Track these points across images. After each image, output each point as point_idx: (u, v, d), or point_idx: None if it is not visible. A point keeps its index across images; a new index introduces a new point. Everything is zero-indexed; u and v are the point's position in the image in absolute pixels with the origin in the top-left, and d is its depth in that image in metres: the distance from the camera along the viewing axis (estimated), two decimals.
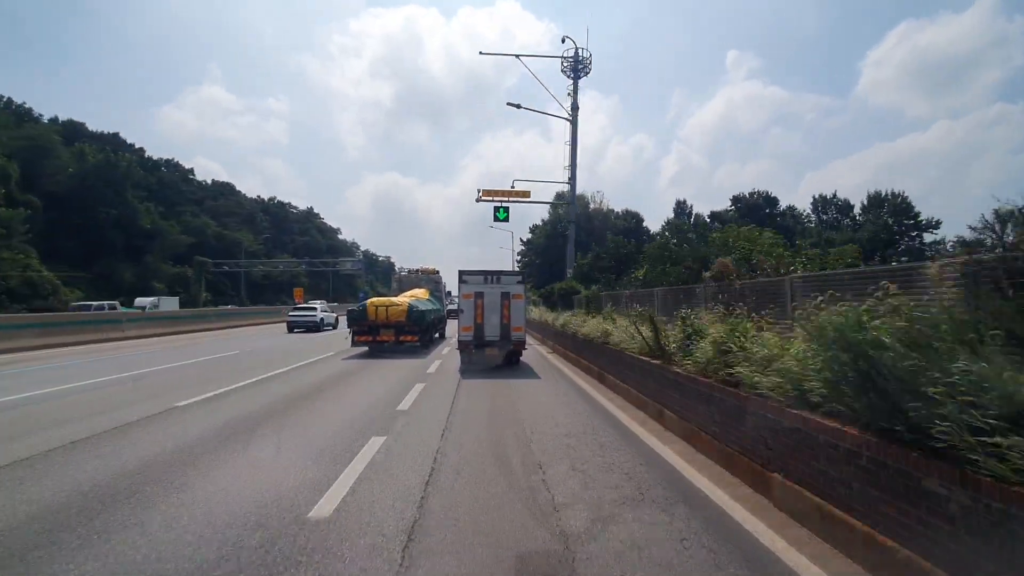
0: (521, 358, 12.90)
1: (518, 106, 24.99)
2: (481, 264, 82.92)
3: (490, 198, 24.88)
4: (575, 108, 25.27)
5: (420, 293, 19.50)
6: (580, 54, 25.20)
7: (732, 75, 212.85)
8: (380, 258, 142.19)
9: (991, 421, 2.27)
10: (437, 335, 20.51)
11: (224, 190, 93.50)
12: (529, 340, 21.91)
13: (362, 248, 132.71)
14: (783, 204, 71.49)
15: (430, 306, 18.36)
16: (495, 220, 24.85)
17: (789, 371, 3.81)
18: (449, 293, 26.73)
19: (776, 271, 8.41)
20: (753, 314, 5.18)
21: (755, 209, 65.79)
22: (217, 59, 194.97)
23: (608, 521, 3.54)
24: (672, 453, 5.26)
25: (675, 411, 5.99)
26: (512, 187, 25.24)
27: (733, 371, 4.51)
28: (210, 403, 7.71)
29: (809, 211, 68.99)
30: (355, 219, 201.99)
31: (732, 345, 4.72)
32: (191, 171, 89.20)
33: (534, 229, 62.28)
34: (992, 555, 2.23)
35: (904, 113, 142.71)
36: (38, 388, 8.98)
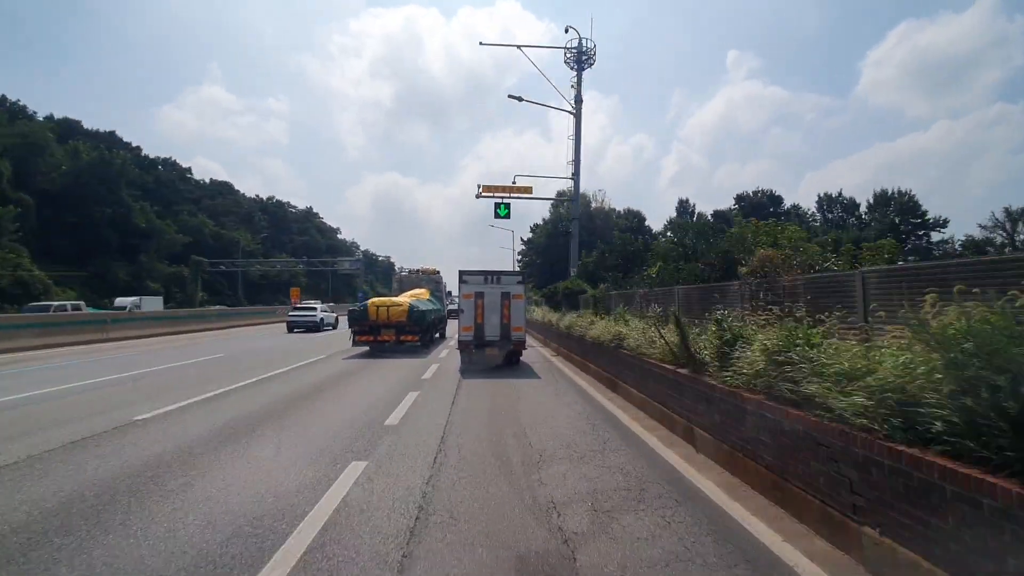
0: (523, 360, 12.60)
1: (519, 99, 24.11)
2: (481, 264, 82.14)
3: (490, 194, 23.94)
4: (579, 101, 24.33)
5: (421, 293, 19.36)
6: (584, 44, 24.28)
7: (732, 75, 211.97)
8: (380, 258, 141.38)
9: None
10: (438, 335, 20.39)
11: (222, 189, 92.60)
12: (531, 342, 21.03)
13: (362, 248, 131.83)
14: (787, 203, 70.68)
15: (431, 306, 18.26)
16: (496, 217, 23.92)
17: (885, 390, 2.89)
18: (449, 293, 26.56)
19: (811, 268, 7.50)
20: (809, 317, 4.25)
21: (759, 208, 64.83)
22: (217, 59, 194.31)
23: None
24: (711, 485, 4.32)
25: (710, 430, 5.06)
26: (513, 183, 24.34)
27: (798, 387, 3.59)
28: (206, 406, 6.80)
29: (814, 210, 68.08)
30: (355, 219, 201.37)
31: (793, 355, 3.79)
32: (188, 170, 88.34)
33: (535, 228, 61.58)
34: None
35: (904, 113, 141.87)
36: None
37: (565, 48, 24.51)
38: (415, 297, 17.96)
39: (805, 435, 3.52)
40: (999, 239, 52.77)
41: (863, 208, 64.47)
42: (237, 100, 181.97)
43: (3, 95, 62.78)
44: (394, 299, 16.73)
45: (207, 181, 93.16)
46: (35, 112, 63.46)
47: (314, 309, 28.84)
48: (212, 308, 42.58)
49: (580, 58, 24.27)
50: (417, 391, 8.82)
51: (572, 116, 24.38)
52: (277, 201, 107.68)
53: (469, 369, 11.95)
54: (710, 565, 2.99)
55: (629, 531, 3.39)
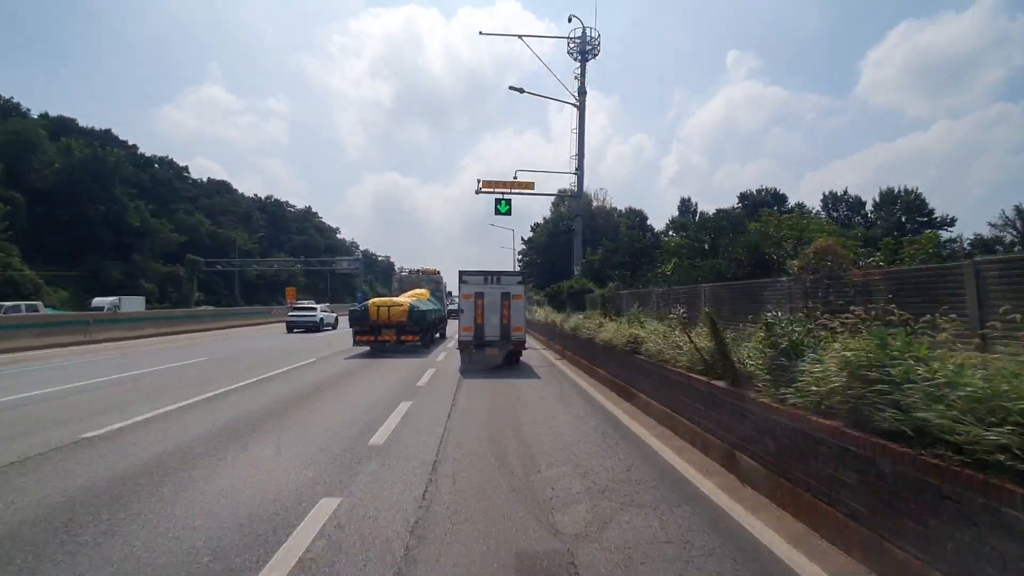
0: (526, 362, 12.32)
1: (521, 90, 23.14)
2: (481, 264, 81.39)
3: (491, 190, 23.02)
4: (582, 92, 23.40)
5: (421, 293, 19.32)
6: (587, 34, 23.36)
7: (732, 75, 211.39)
8: (379, 258, 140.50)
9: None
10: (438, 335, 20.32)
11: (219, 188, 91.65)
12: (534, 344, 20.12)
13: (362, 248, 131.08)
14: (791, 201, 69.69)
15: (431, 306, 18.24)
16: (496, 213, 22.97)
17: None
18: (450, 293, 26.34)
19: (851, 263, 6.58)
20: (903, 321, 3.33)
21: (762, 206, 63.86)
22: (217, 59, 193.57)
23: None
24: (776, 538, 3.38)
25: (761, 460, 4.14)
26: (515, 179, 23.41)
27: (907, 414, 2.67)
28: (164, 422, 5.88)
29: (819, 208, 67.08)
30: (355, 219, 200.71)
31: (892, 371, 2.86)
32: (186, 168, 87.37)
33: (535, 227, 60.78)
34: None
35: (904, 113, 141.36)
36: None
37: (568, 38, 23.61)
38: (415, 297, 17.89)
39: (919, 482, 2.60)
40: (1009, 237, 51.87)
41: (868, 207, 63.54)
42: (237, 100, 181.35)
43: None
44: (395, 299, 16.62)
45: (204, 180, 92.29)
46: (29, 109, 62.50)
47: (314, 309, 28.75)
48: (200, 308, 41.49)
49: (584, 48, 23.35)
50: (410, 400, 7.90)
51: (575, 108, 23.46)
52: (276, 200, 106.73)
53: (469, 369, 11.81)
54: None
55: None
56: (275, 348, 17.62)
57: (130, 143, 75.57)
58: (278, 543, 3.20)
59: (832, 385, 3.31)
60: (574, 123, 23.84)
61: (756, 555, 3.14)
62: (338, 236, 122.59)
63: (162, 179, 75.64)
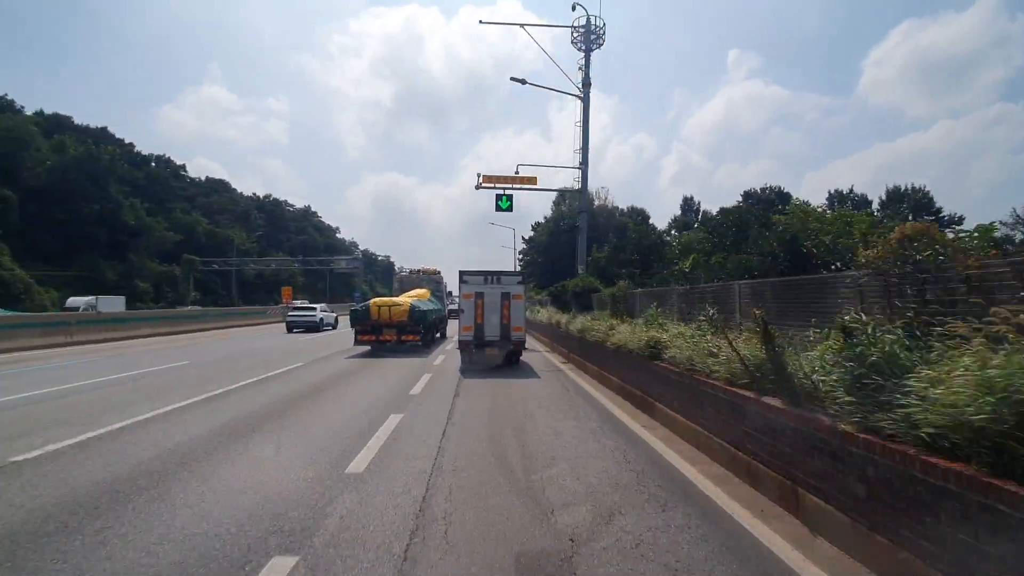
0: (530, 366, 11.97)
1: (523, 81, 22.22)
2: (481, 264, 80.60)
3: (491, 185, 22.07)
4: (587, 84, 22.45)
5: (421, 293, 19.34)
6: (592, 23, 22.43)
7: (733, 74, 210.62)
8: (379, 257, 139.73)
9: None
10: (438, 335, 20.29)
11: (217, 187, 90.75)
12: (537, 346, 19.22)
13: (361, 248, 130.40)
14: (796, 200, 68.70)
15: (432, 306, 18.24)
16: (497, 210, 22.01)
17: None
18: (450, 293, 26.12)
19: (961, 251, 5.68)
20: None
21: (767, 204, 62.88)
22: (217, 59, 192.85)
23: None
24: None
25: (845, 507, 3.21)
26: (516, 173, 22.48)
27: None
28: (114, 440, 4.97)
29: (824, 206, 66.04)
30: (355, 219, 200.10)
31: None
32: (183, 167, 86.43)
33: (536, 226, 60.03)
34: None
35: (904, 113, 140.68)
36: None
37: (572, 27, 22.67)
38: (416, 297, 17.87)
39: None
40: (1019, 236, 50.92)
41: (875, 205, 62.56)
42: (237, 100, 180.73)
43: None
44: (396, 299, 16.63)
45: (202, 179, 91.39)
46: (23, 107, 61.62)
47: (313, 309, 28.79)
48: (187, 308, 40.41)
49: (588, 38, 22.41)
50: (401, 413, 6.99)
51: (579, 100, 22.54)
52: (274, 199, 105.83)
53: (469, 369, 11.75)
54: None
55: None
56: (265, 350, 16.70)
57: (126, 141, 74.80)
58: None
59: (965, 415, 2.40)
60: (578, 116, 23.00)
61: None
62: (337, 236, 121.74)
63: (158, 177, 74.72)
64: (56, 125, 63.71)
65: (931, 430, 2.57)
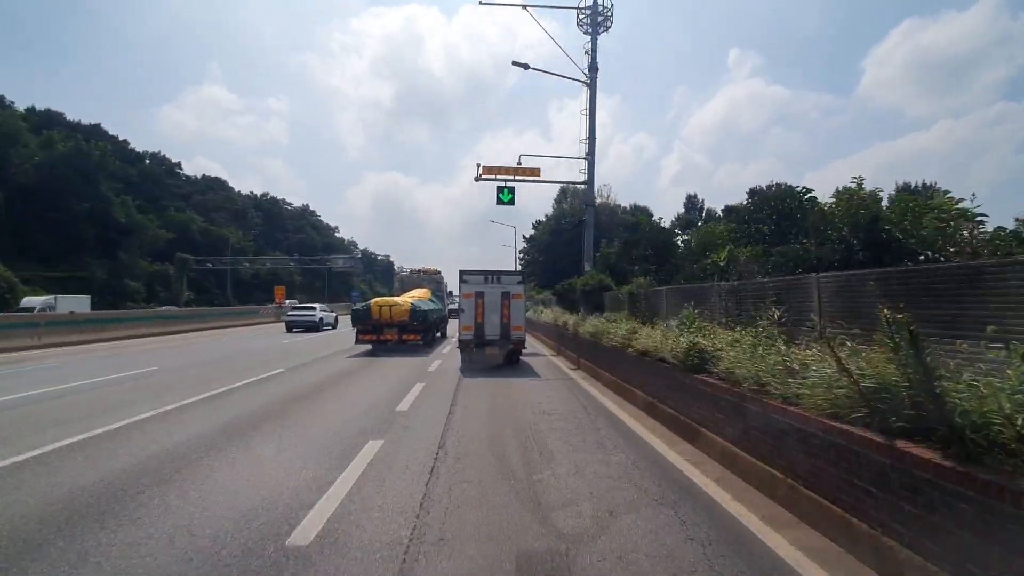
0: (536, 374, 11.29)
1: (526, 66, 20.83)
2: (481, 263, 79.49)
3: (492, 176, 20.65)
4: (593, 69, 21.05)
5: (422, 293, 19.36)
6: (600, 3, 21.03)
7: (734, 73, 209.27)
8: (379, 257, 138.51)
9: None
10: (439, 334, 20.23)
11: (213, 185, 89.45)
12: (541, 349, 17.82)
13: (361, 247, 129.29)
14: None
15: (432, 306, 18.24)
16: (498, 203, 20.58)
17: None
18: (451, 293, 25.97)
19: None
20: None
21: (773, 202, 61.39)
22: (217, 59, 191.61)
23: None
24: None
25: None
26: (519, 164, 21.07)
27: None
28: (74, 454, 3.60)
29: (832, 203, 64.50)
30: (355, 219, 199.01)
31: None
32: (178, 164, 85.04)
33: (537, 225, 58.85)
34: None
35: (905, 112, 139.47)
36: None
37: (578, 8, 21.27)
38: (417, 297, 17.91)
39: None
40: None
41: (884, 203, 61.08)
42: (237, 100, 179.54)
43: None
44: (397, 299, 16.66)
45: (199, 176, 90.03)
46: (13, 102, 60.16)
47: (313, 309, 28.69)
48: (163, 308, 38.74)
49: (595, 20, 21.02)
50: (380, 439, 5.60)
51: (586, 87, 21.15)
52: (272, 198, 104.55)
53: (469, 368, 11.72)
54: None
55: None
56: (259, 351, 15.30)
57: (120, 138, 73.36)
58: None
59: None
60: (583, 104, 21.61)
61: None
62: (336, 235, 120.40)
63: (152, 175, 73.37)
64: (47, 121, 62.29)
65: None
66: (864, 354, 3.34)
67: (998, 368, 2.61)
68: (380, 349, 15.68)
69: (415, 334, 15.77)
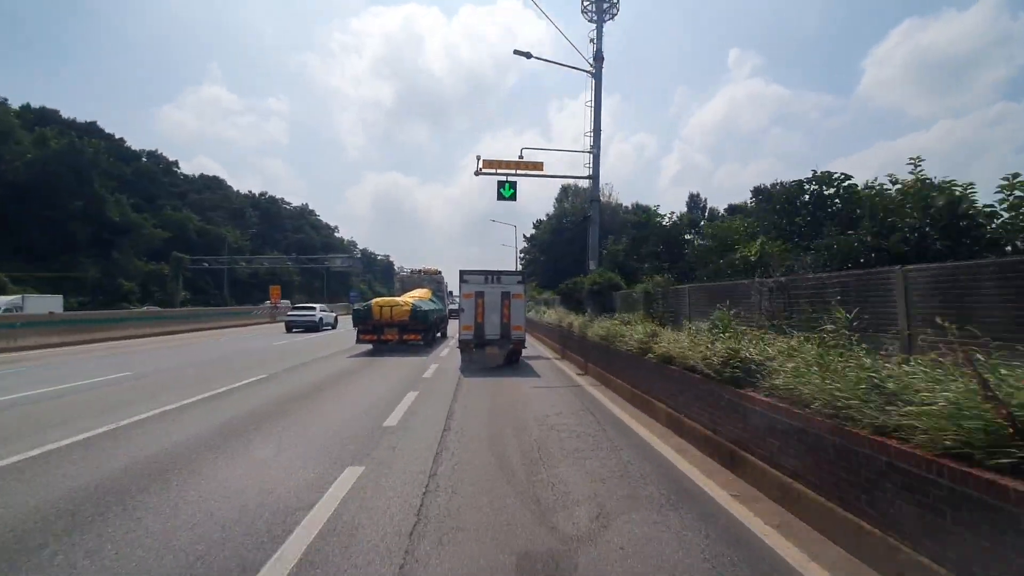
0: (541, 380, 10.63)
1: (528, 55, 19.82)
2: (482, 263, 78.68)
3: (493, 170, 19.64)
4: (599, 58, 20.08)
5: (423, 293, 19.35)
6: None
7: (734, 73, 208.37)
8: (379, 257, 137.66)
9: None
10: (439, 334, 20.28)
11: (210, 183, 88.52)
12: (544, 351, 16.87)
13: (361, 247, 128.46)
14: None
15: (433, 306, 18.25)
16: (499, 198, 19.53)
17: None
18: (451, 293, 25.89)
19: None
20: None
21: (777, 199, 60.38)
22: (217, 59, 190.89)
23: None
24: None
25: None
26: (520, 158, 20.11)
27: None
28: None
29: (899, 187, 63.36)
30: (355, 219, 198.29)
31: None
32: (175, 163, 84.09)
33: (538, 224, 58.08)
34: None
35: (905, 112, 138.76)
36: None
37: None
38: (417, 297, 17.92)
39: None
40: None
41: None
42: (237, 100, 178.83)
43: None
44: (397, 299, 16.70)
45: (196, 175, 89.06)
46: (6, 99, 59.21)
47: (313, 309, 28.53)
48: (143, 308, 37.70)
49: (600, 6, 20.11)
50: (360, 466, 4.67)
51: (591, 77, 20.20)
52: (270, 197, 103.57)
53: (469, 368, 11.67)
54: None
55: None
56: (247, 353, 14.36)
57: (116, 136, 72.40)
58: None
59: None
60: (588, 95, 20.65)
61: None
62: (336, 234, 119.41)
63: (148, 173, 72.41)
64: (42, 119, 61.37)
65: None
66: (1003, 371, 2.41)
67: None
68: (381, 349, 15.69)
69: (416, 334, 15.81)
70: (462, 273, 12.60)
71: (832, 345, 3.79)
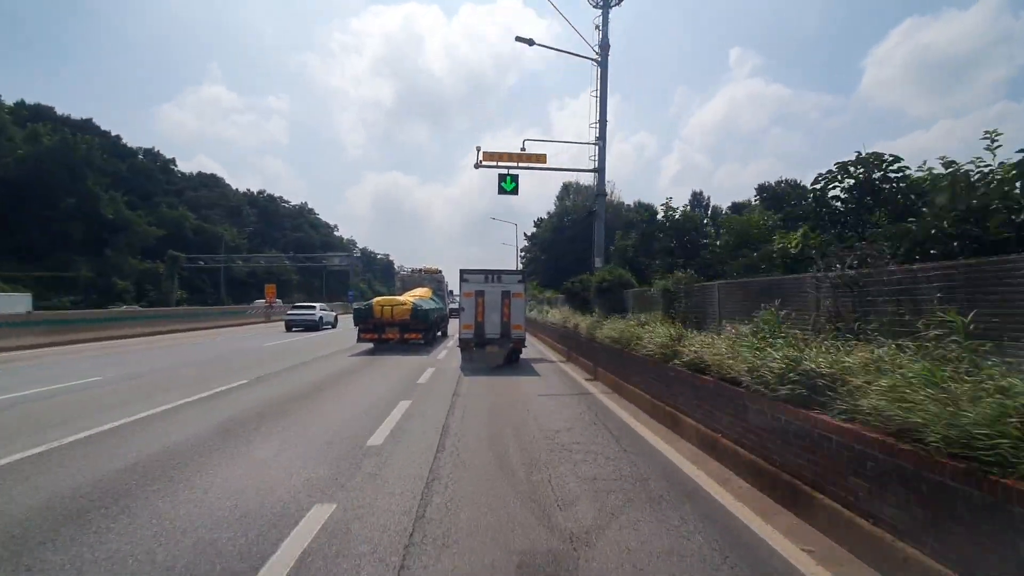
0: (548, 389, 9.80)
1: (530, 42, 18.92)
2: (482, 263, 77.97)
3: (494, 163, 18.72)
4: (604, 46, 19.17)
5: (423, 292, 19.36)
6: None
7: (734, 73, 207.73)
8: (379, 256, 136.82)
9: None
10: (440, 333, 20.31)
11: (207, 181, 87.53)
12: (548, 354, 15.93)
13: (361, 246, 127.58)
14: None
15: (433, 305, 18.32)
16: (500, 192, 18.60)
17: None
18: (451, 292, 25.83)
19: None
20: None
21: (782, 198, 59.51)
22: (217, 59, 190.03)
23: None
24: None
25: None
26: (523, 149, 19.17)
27: None
28: None
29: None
30: (355, 218, 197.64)
31: None
32: (172, 160, 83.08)
33: (539, 222, 57.31)
34: None
35: (906, 112, 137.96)
36: None
37: None
38: (418, 296, 17.93)
39: None
40: None
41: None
42: (237, 99, 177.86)
43: None
44: (398, 298, 16.76)
45: (194, 173, 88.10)
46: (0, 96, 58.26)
47: (313, 308, 28.30)
48: (124, 308, 36.67)
49: None
50: (330, 503, 3.77)
51: (597, 66, 19.28)
52: (269, 195, 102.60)
53: (469, 367, 11.60)
54: None
55: None
56: (243, 353, 13.44)
57: (112, 133, 71.40)
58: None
59: None
60: (593, 86, 19.74)
61: None
62: (335, 233, 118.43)
63: (144, 170, 71.42)
64: (36, 115, 60.43)
65: None
66: None
67: None
68: (381, 347, 15.69)
69: (416, 333, 15.81)
70: (462, 272, 12.60)
71: (941, 358, 2.88)
